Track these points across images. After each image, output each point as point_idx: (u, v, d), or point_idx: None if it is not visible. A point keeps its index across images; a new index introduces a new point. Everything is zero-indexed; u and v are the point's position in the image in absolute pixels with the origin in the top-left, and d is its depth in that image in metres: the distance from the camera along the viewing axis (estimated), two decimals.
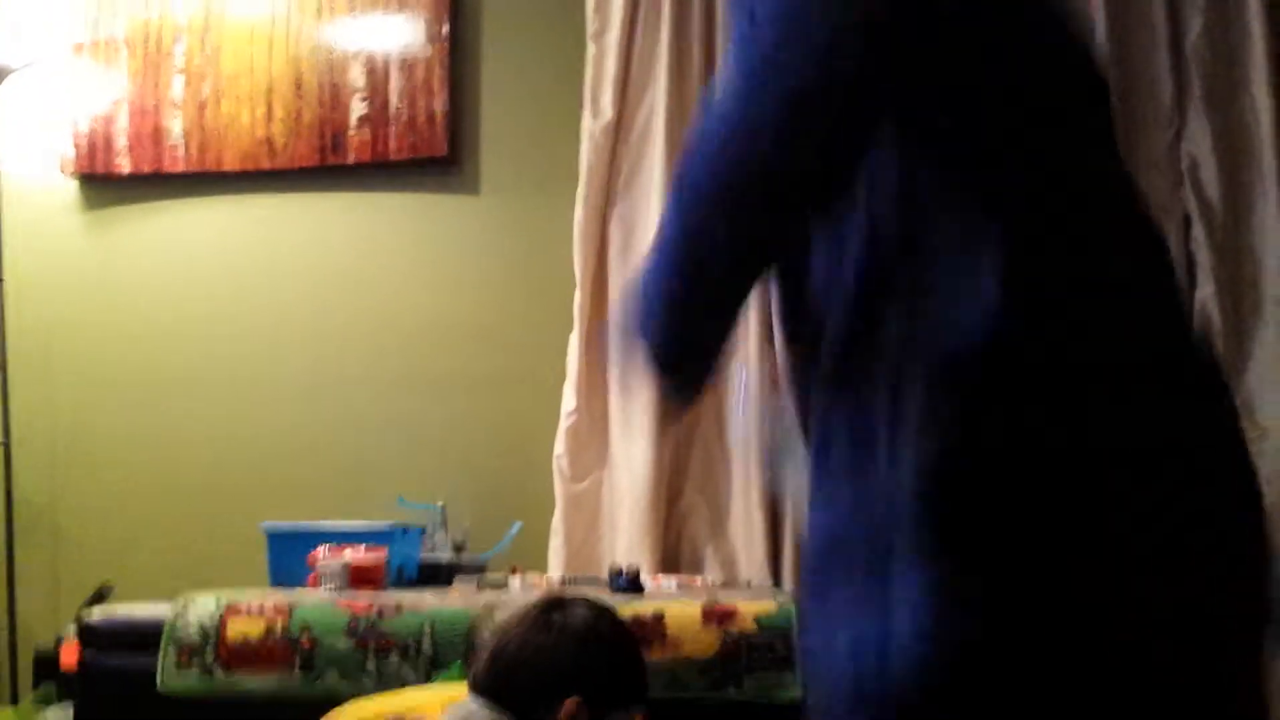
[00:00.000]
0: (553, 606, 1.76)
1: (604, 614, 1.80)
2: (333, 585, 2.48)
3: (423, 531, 2.82)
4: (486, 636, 1.82)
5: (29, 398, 3.28)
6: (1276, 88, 2.87)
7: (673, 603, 2.30)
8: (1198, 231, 2.86)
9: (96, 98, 3.36)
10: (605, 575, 2.58)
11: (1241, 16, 2.92)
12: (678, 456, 2.99)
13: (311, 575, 2.57)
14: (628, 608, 2.24)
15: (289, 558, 2.67)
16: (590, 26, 3.13)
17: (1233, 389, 2.71)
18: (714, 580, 2.77)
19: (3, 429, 3.20)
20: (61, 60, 3.38)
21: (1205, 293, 2.84)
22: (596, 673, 1.71)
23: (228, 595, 2.40)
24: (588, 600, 1.81)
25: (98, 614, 2.45)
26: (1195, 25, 2.93)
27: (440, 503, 2.88)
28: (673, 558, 2.95)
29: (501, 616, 1.83)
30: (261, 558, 2.73)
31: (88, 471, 3.30)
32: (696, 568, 2.94)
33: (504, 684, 1.69)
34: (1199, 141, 2.90)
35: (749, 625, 2.23)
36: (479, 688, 1.71)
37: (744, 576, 2.86)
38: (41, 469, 3.29)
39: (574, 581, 2.68)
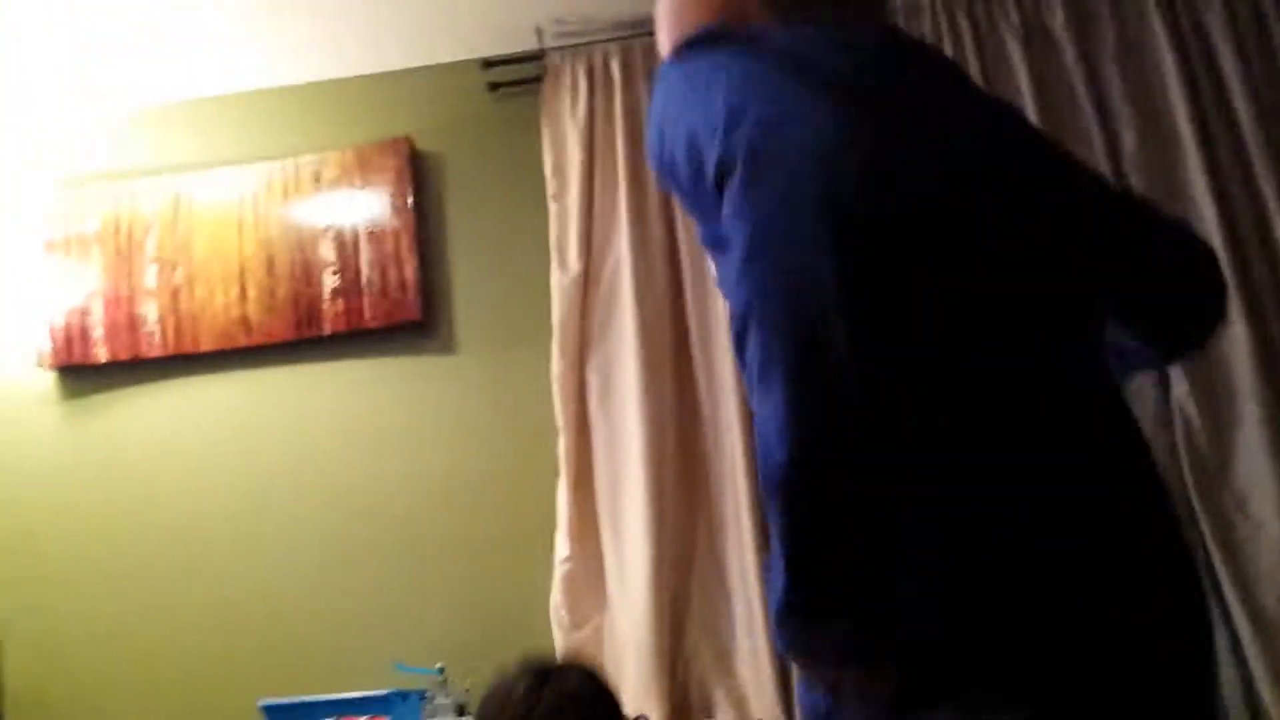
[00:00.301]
0: (542, 678, 1.75)
1: (592, 672, 1.82)
2: None
3: (423, 696, 2.78)
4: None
5: (15, 589, 3.24)
6: (1214, 188, 2.99)
7: None
8: None
9: (71, 291, 3.41)
10: None
11: (1171, 126, 3.07)
12: (677, 596, 2.98)
13: None
14: None
15: None
16: (550, 188, 3.24)
17: (1218, 485, 2.80)
18: None
19: None
20: (34, 260, 3.44)
21: (1180, 391, 2.90)
22: None
23: None
24: (571, 663, 1.82)
25: None
26: (1129, 139, 3.07)
27: (440, 665, 2.85)
28: (682, 702, 2.91)
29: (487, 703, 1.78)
30: None
31: (78, 660, 3.23)
32: (707, 711, 2.90)
33: None
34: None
35: None
36: None
37: (756, 717, 2.83)
38: (29, 660, 3.22)
39: None
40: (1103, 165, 3.05)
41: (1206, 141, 3.04)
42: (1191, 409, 2.89)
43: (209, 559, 3.26)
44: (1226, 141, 3.06)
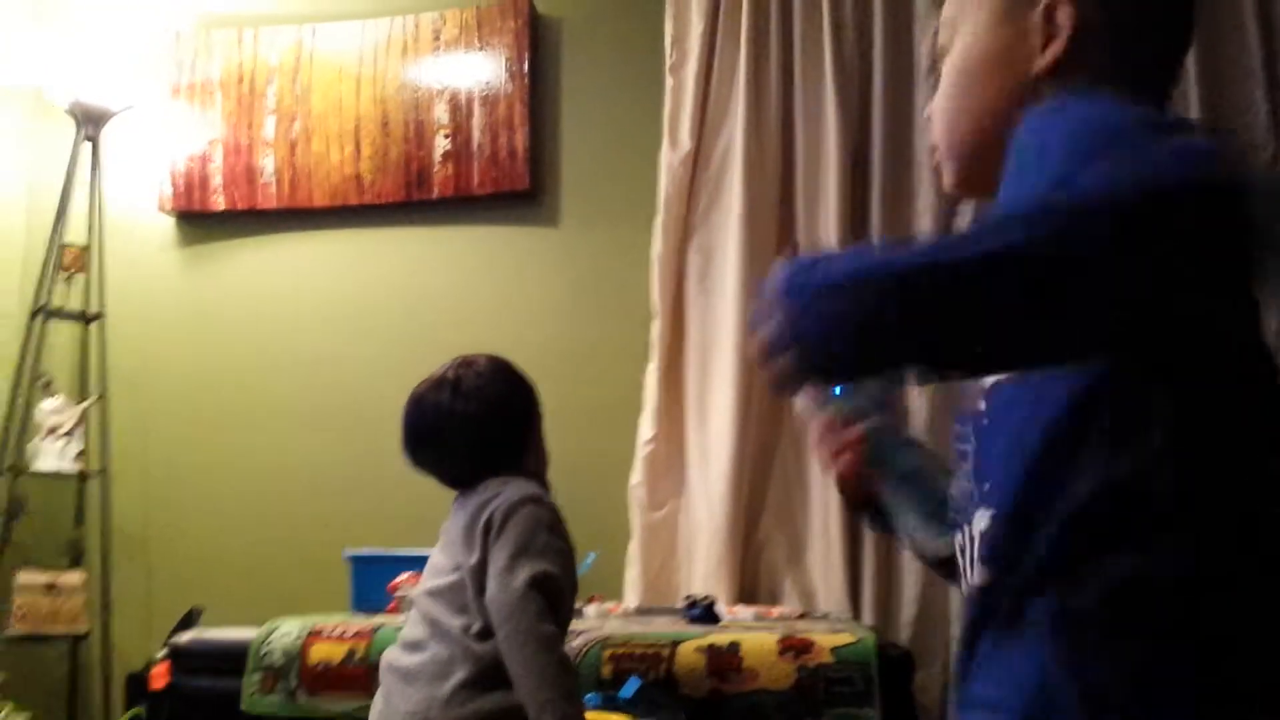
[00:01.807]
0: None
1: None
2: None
3: None
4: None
5: (126, 428, 3.38)
6: None
7: (748, 634, 2.27)
8: None
9: (192, 138, 3.48)
10: (681, 604, 2.56)
11: None
12: (755, 486, 2.97)
13: (392, 602, 2.59)
14: (704, 638, 2.22)
15: (371, 584, 2.70)
16: (669, 60, 3.16)
17: None
18: (791, 611, 2.72)
19: (101, 458, 3.30)
20: (159, 103, 3.50)
21: None
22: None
23: (311, 621, 2.44)
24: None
25: (187, 638, 2.51)
26: None
27: None
28: (750, 588, 2.92)
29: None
30: (346, 584, 2.77)
31: (180, 500, 3.38)
32: (774, 599, 2.90)
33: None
34: None
35: (826, 658, 2.19)
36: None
37: (822, 608, 2.82)
38: (136, 498, 3.38)
39: (649, 611, 2.67)
40: (1258, 78, 2.85)
41: None
42: None
43: (309, 411, 3.35)
44: None
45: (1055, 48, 0.95)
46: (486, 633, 1.64)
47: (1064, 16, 0.96)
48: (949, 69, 1.04)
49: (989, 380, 0.89)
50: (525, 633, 1.61)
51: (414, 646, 1.72)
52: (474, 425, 1.82)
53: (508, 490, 1.75)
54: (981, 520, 0.86)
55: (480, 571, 1.68)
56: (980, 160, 1.01)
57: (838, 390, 1.07)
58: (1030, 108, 0.95)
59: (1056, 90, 0.95)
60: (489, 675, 1.63)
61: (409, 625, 1.77)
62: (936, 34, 1.08)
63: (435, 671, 1.66)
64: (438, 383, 1.86)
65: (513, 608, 1.62)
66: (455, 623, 1.67)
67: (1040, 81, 0.96)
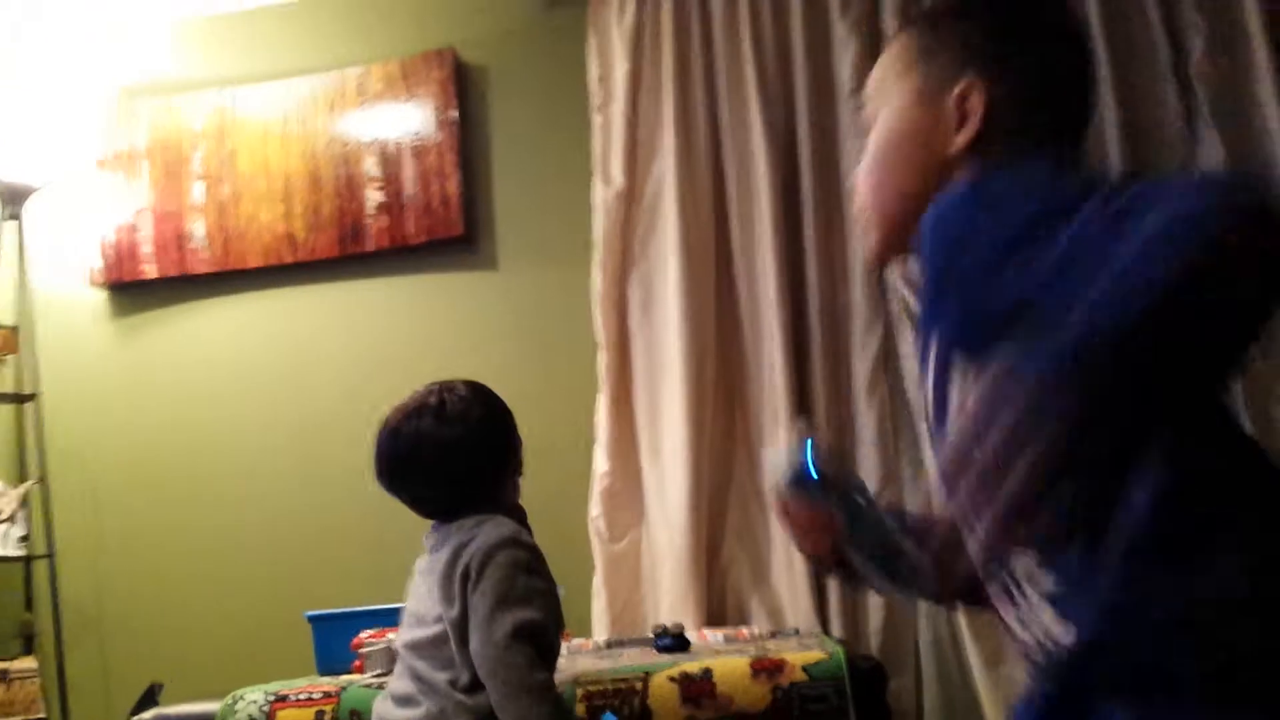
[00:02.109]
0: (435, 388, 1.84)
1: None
2: (378, 668, 2.46)
3: None
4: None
5: (70, 507, 3.31)
6: None
7: (720, 659, 2.27)
8: None
9: (119, 208, 3.44)
10: (651, 634, 2.55)
11: (1242, 32, 2.93)
12: (714, 509, 2.97)
13: (357, 660, 2.55)
14: (675, 667, 2.21)
15: (334, 644, 2.66)
16: (594, 99, 3.19)
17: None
18: (761, 631, 2.72)
19: (46, 540, 3.23)
20: (82, 175, 3.46)
21: None
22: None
23: (276, 687, 2.39)
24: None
25: (149, 716, 2.45)
26: (1196, 46, 2.94)
27: None
28: (718, 611, 2.92)
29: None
30: (309, 646, 2.72)
31: (131, 576, 3.32)
32: (742, 619, 2.90)
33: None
34: (1213, 160, 2.89)
35: (799, 676, 2.19)
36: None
37: (791, 624, 2.82)
38: (86, 577, 3.30)
39: (619, 643, 2.65)
40: (1167, 76, 2.94)
41: (1277, 47, 2.90)
42: None
43: (258, 473, 3.31)
44: None
45: (969, 130, 1.04)
46: (475, 685, 1.60)
47: (976, 102, 1.04)
48: (873, 142, 1.13)
49: None
50: (516, 685, 1.58)
51: (405, 700, 1.68)
52: (458, 452, 1.76)
53: (484, 532, 1.70)
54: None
55: (462, 624, 1.63)
56: (903, 229, 1.08)
57: (814, 475, 1.12)
58: (944, 189, 1.03)
59: (970, 168, 1.04)
60: None
61: (396, 678, 1.72)
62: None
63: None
64: (417, 408, 1.79)
65: (498, 661, 1.58)
66: (441, 677, 1.63)
67: (957, 159, 1.05)
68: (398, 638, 1.79)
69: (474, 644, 1.61)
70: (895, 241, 1.11)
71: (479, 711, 1.59)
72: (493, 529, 1.71)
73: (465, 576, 1.65)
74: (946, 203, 0.99)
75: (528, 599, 1.64)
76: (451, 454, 1.75)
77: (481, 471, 1.78)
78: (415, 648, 1.69)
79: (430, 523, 1.85)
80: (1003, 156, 1.02)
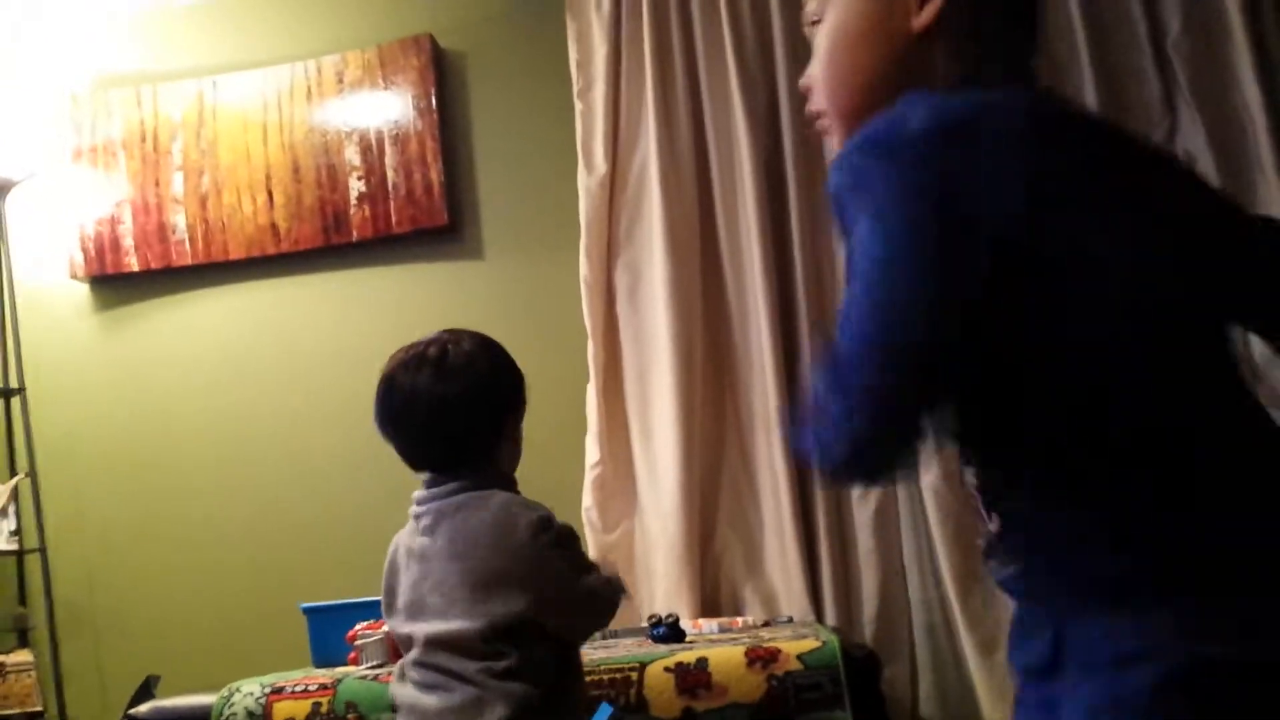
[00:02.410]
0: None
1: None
2: (374, 660, 2.48)
3: None
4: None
5: (60, 501, 3.31)
6: (1262, 75, 2.87)
7: (715, 648, 2.29)
8: None
9: (99, 201, 3.42)
10: (645, 624, 2.57)
11: (1219, 9, 2.93)
12: (707, 498, 2.99)
13: (353, 652, 2.57)
14: (671, 657, 2.24)
15: (330, 636, 2.68)
16: (575, 85, 3.18)
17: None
18: (755, 619, 2.75)
19: (38, 535, 3.23)
20: (61, 169, 3.43)
21: None
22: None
23: (272, 679, 2.41)
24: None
25: (145, 709, 2.47)
26: (1175, 23, 2.95)
27: None
28: (712, 600, 2.95)
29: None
30: (304, 638, 2.74)
31: (124, 568, 3.33)
32: (736, 608, 2.93)
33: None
34: (1192, 136, 2.90)
35: (794, 665, 2.21)
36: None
37: (785, 612, 2.85)
38: (78, 570, 3.32)
39: (614, 634, 2.68)
40: (1146, 52, 2.95)
41: (1255, 24, 2.91)
42: None
43: (247, 464, 3.31)
44: (1278, 30, 2.93)
45: (931, 7, 0.99)
46: (511, 671, 1.57)
47: None
48: (825, 37, 1.06)
49: None
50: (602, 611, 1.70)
51: (432, 687, 1.60)
52: (455, 409, 1.65)
53: (504, 523, 1.63)
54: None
55: (491, 632, 1.59)
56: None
57: None
58: (910, 78, 0.99)
59: (931, 53, 1.00)
60: (527, 714, 1.56)
61: (412, 666, 1.64)
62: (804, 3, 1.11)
63: (467, 711, 1.57)
64: (416, 360, 1.69)
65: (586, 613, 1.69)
66: (472, 666, 1.58)
67: (919, 41, 1.00)
68: (401, 625, 1.68)
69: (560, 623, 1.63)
70: None
71: (519, 699, 1.57)
72: (509, 512, 1.64)
73: (504, 582, 1.60)
74: (866, 133, 0.94)
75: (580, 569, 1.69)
76: (447, 411, 1.65)
77: (478, 432, 1.68)
78: (437, 643, 1.61)
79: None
80: (964, 51, 0.99)
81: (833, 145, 1.08)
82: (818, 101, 1.09)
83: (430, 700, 1.60)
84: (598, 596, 1.69)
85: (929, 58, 1.00)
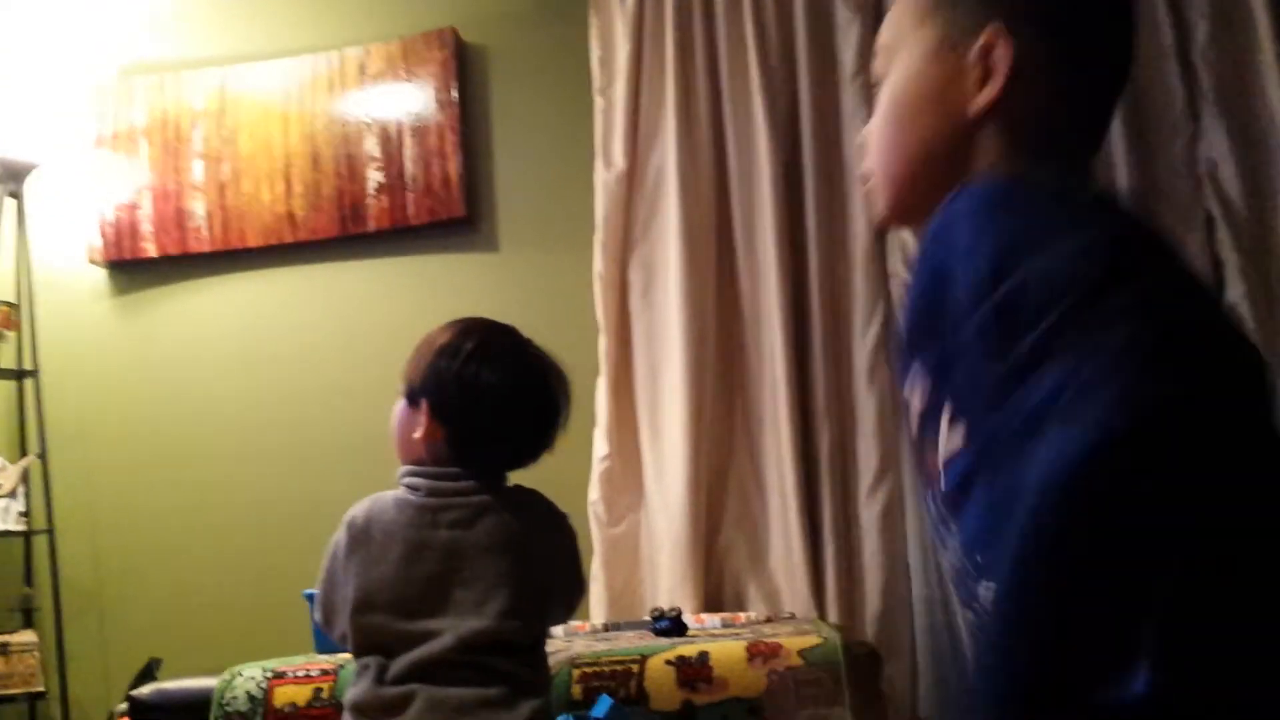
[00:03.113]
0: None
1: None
2: None
3: None
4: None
5: (70, 483, 3.33)
6: None
7: (716, 643, 2.28)
8: (1222, 233, 2.83)
9: (120, 186, 3.43)
10: (648, 617, 2.56)
11: (1247, 17, 2.91)
12: (713, 494, 2.98)
13: None
14: (672, 650, 2.22)
15: None
16: (596, 81, 3.18)
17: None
18: (757, 616, 2.73)
19: (46, 516, 3.24)
20: (83, 154, 3.46)
21: (1235, 294, 2.80)
22: None
23: (274, 664, 2.40)
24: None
25: (147, 690, 2.46)
26: (1201, 30, 2.92)
27: None
28: (715, 596, 2.93)
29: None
30: (307, 624, 2.73)
31: (130, 552, 3.33)
32: (739, 604, 2.91)
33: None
34: (1215, 143, 2.88)
35: (795, 660, 2.20)
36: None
37: (788, 609, 2.83)
38: (85, 552, 3.32)
39: (616, 626, 2.66)
40: (1171, 59, 2.93)
41: None
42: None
43: (258, 452, 3.32)
44: None
45: (992, 87, 0.93)
46: (538, 663, 1.59)
47: (1002, 54, 0.93)
48: (884, 98, 1.02)
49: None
50: None
51: (462, 680, 1.53)
52: (560, 424, 1.77)
53: (554, 525, 1.71)
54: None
55: (541, 630, 1.63)
56: (913, 195, 1.00)
57: None
58: (961, 160, 0.93)
59: (988, 149, 0.93)
60: (546, 707, 1.57)
61: (440, 666, 1.54)
62: (875, 58, 1.06)
63: (502, 703, 1.53)
64: (541, 359, 1.76)
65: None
66: (502, 663, 1.55)
67: (976, 122, 0.94)
68: (394, 622, 1.58)
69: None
70: (904, 208, 1.02)
71: (542, 688, 1.58)
72: (555, 518, 1.73)
73: (557, 581, 1.67)
74: (948, 214, 0.86)
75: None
76: (558, 423, 1.77)
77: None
78: (472, 647, 1.55)
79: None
80: (1024, 141, 0.92)
81: (875, 207, 1.05)
82: (869, 160, 1.05)
83: (459, 694, 1.53)
84: None
85: (980, 140, 0.94)
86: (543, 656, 1.61)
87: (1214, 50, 2.91)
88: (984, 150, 0.94)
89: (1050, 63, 0.94)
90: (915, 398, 0.89)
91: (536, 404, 1.69)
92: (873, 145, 1.04)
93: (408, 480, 1.68)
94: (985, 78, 0.93)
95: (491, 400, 1.65)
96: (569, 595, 1.68)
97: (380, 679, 1.57)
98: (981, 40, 0.94)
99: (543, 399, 1.70)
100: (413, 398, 1.70)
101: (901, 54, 1.01)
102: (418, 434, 1.67)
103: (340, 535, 1.66)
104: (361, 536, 1.64)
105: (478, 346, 1.69)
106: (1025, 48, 0.93)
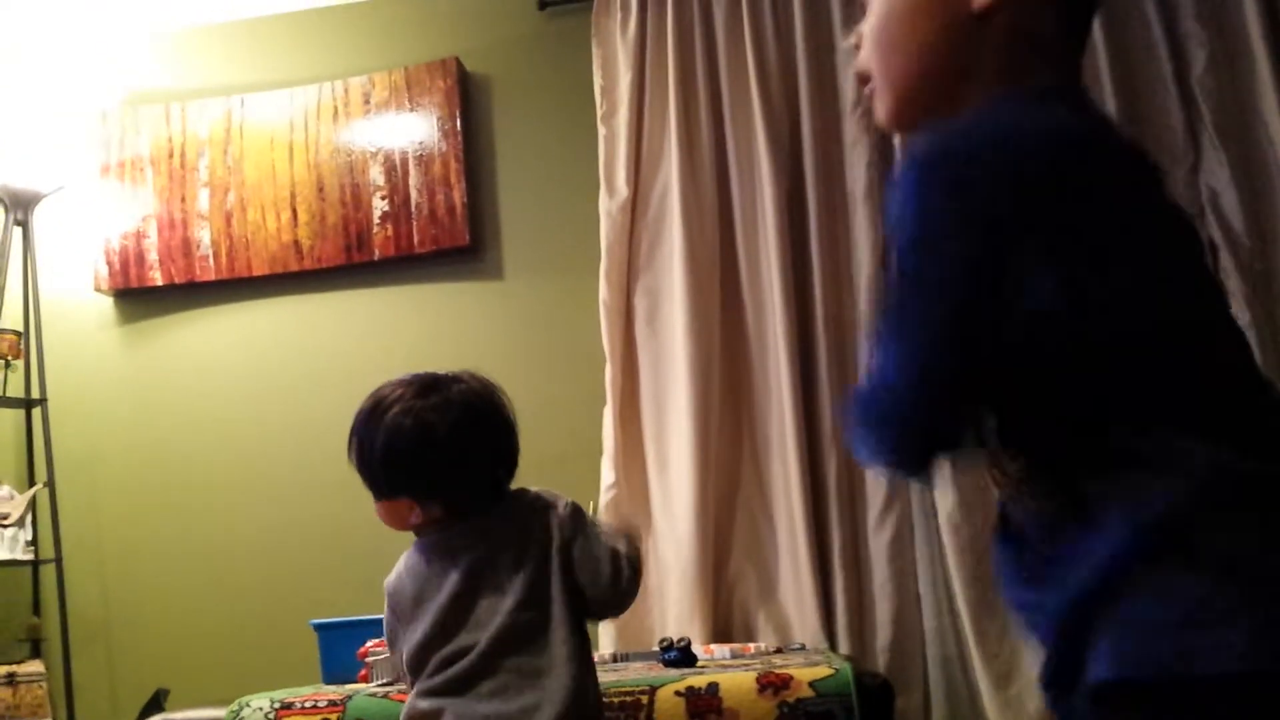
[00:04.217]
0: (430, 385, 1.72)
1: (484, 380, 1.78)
2: (384, 677, 2.47)
3: None
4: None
5: (77, 512, 3.33)
6: None
7: (726, 674, 2.27)
8: (1225, 261, 2.85)
9: (126, 215, 3.45)
10: (657, 648, 2.56)
11: (1244, 46, 2.94)
12: (721, 523, 2.98)
13: (363, 669, 2.56)
14: (682, 681, 2.22)
15: (340, 652, 2.67)
16: (599, 109, 3.20)
17: None
18: (767, 646, 2.73)
19: (54, 546, 3.24)
20: (89, 183, 3.47)
21: (1242, 321, 2.82)
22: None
23: (281, 695, 2.40)
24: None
25: None
26: (1199, 59, 2.95)
27: None
28: (724, 626, 2.93)
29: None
30: (314, 654, 2.74)
31: (138, 581, 3.33)
32: (749, 634, 2.91)
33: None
34: (1216, 172, 2.90)
35: (806, 692, 2.19)
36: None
37: (798, 640, 2.84)
38: (92, 582, 3.32)
39: (625, 657, 2.66)
40: (1170, 89, 2.95)
41: None
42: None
43: (264, 481, 3.32)
44: None
45: None
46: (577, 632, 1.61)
47: None
48: (879, 2, 1.04)
49: None
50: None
51: (490, 692, 1.56)
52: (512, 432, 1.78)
53: (534, 506, 1.70)
54: None
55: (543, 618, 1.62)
56: (919, 97, 1.02)
57: None
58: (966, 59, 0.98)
59: (984, 40, 0.98)
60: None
61: (468, 678, 1.57)
62: None
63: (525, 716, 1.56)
64: (442, 387, 1.73)
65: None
66: (527, 662, 1.58)
67: (978, 21, 0.98)
68: (454, 642, 1.61)
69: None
70: (910, 113, 1.04)
71: (586, 677, 1.60)
72: (537, 497, 1.73)
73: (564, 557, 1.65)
74: (921, 153, 0.92)
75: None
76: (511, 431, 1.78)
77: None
78: (497, 652, 1.57)
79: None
80: (1025, 43, 0.97)
81: (877, 110, 1.07)
82: (864, 61, 1.06)
83: (504, 706, 1.56)
84: None
85: (981, 44, 0.98)
86: (573, 642, 1.60)
87: (1213, 79, 2.94)
88: (987, 52, 0.98)
89: None
90: None
91: (457, 415, 1.67)
92: (871, 46, 1.05)
93: (418, 548, 1.73)
94: None
95: (414, 444, 1.67)
96: (591, 563, 1.63)
97: (419, 695, 1.62)
98: None
99: (459, 406, 1.69)
100: (376, 494, 1.75)
101: None
102: (397, 518, 1.72)
103: (386, 610, 1.75)
104: (399, 606, 1.71)
105: (368, 416, 1.75)
106: None
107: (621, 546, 1.68)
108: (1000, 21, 0.97)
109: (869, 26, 1.05)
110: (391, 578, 1.75)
